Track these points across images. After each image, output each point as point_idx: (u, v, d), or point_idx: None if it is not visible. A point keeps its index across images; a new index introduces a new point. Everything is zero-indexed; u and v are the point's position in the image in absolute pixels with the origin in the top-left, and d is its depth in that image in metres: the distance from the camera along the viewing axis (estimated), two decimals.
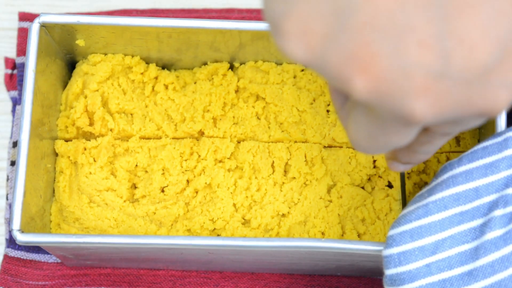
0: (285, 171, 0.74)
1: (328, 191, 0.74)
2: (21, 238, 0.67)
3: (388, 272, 0.62)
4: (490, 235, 0.61)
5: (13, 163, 0.80)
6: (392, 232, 0.62)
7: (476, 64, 0.40)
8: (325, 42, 0.41)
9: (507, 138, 0.63)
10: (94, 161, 0.74)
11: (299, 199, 0.73)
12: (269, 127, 0.75)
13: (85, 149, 0.74)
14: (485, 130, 0.73)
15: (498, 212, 0.61)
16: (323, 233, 0.73)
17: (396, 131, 0.45)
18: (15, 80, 0.83)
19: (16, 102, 0.82)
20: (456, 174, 0.62)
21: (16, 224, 0.67)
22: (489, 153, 0.63)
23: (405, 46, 0.40)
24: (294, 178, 0.74)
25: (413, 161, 0.56)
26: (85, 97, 0.75)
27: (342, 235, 0.73)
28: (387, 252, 0.62)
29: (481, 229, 0.61)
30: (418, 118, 0.42)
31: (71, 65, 0.77)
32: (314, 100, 0.75)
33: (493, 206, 0.62)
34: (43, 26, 0.71)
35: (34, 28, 0.70)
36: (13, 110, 0.82)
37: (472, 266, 0.61)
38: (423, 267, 0.61)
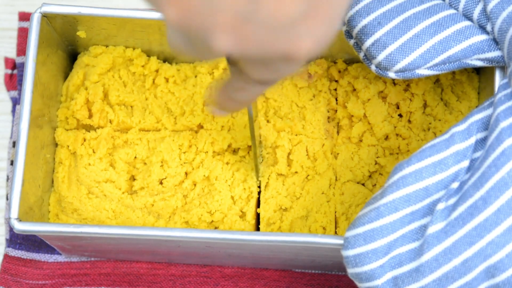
0: (288, 165, 0.74)
1: (330, 187, 0.74)
2: (19, 226, 0.67)
3: (349, 271, 0.63)
4: (431, 229, 0.61)
5: (13, 163, 0.80)
6: (347, 234, 0.63)
7: (282, 14, 0.44)
8: None
9: (453, 134, 0.63)
10: (94, 152, 0.74)
11: (301, 194, 0.73)
12: (268, 121, 0.75)
13: (84, 140, 0.74)
14: (484, 93, 0.73)
15: (440, 206, 0.62)
16: (324, 228, 0.73)
17: (206, 54, 0.49)
18: (15, 80, 0.83)
19: (16, 102, 0.83)
20: (406, 174, 0.63)
21: (14, 213, 0.67)
22: (437, 150, 0.63)
23: None
24: (297, 172, 0.74)
25: (229, 108, 0.58)
26: (86, 88, 0.75)
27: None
28: (345, 253, 0.63)
29: (427, 225, 0.62)
30: (218, 49, 0.46)
31: (72, 57, 0.78)
32: (313, 96, 0.75)
33: (439, 201, 0.62)
34: (45, 16, 0.71)
35: (36, 18, 0.70)
36: (13, 110, 0.82)
37: (419, 262, 0.62)
38: (378, 268, 0.62)
